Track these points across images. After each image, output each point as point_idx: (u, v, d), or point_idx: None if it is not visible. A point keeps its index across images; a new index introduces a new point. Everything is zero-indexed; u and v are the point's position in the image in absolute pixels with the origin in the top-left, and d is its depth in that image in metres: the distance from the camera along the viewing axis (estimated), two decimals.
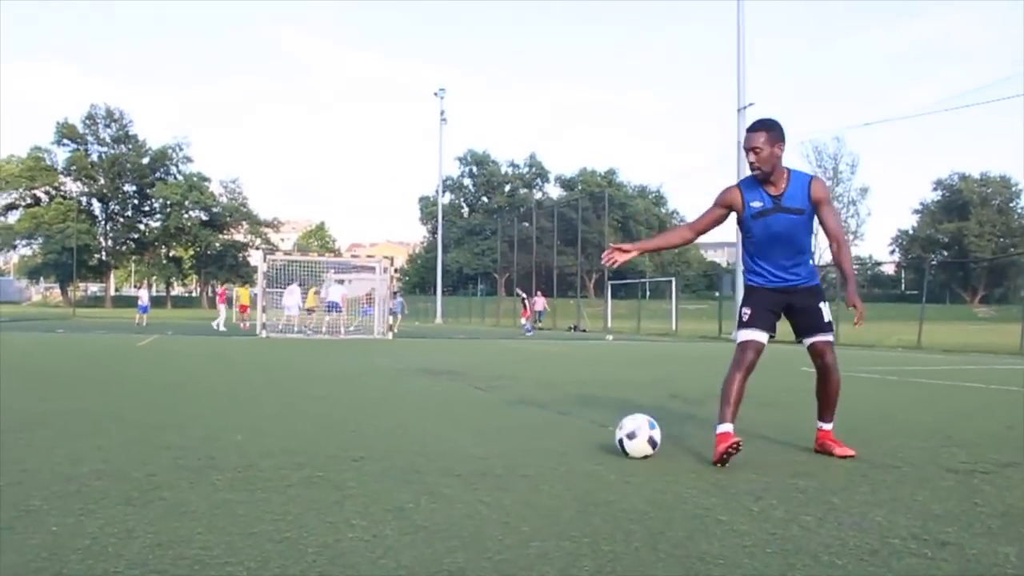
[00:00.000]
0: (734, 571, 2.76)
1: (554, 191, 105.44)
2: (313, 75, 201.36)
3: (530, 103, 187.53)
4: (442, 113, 61.72)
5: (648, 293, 51.33)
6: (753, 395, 8.80)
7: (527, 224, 73.31)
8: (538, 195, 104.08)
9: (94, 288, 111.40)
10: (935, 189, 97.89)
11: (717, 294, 42.43)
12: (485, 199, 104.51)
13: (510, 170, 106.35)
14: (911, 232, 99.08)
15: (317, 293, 29.51)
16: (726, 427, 4.74)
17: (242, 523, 3.26)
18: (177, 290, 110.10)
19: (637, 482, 4.18)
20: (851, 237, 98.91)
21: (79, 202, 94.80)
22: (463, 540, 3.07)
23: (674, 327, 40.18)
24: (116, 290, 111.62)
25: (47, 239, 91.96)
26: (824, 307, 5.06)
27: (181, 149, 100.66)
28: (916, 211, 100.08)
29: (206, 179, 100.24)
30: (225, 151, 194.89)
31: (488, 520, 3.37)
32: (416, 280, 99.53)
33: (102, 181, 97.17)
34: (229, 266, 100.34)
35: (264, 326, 26.27)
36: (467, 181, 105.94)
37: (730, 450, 4.58)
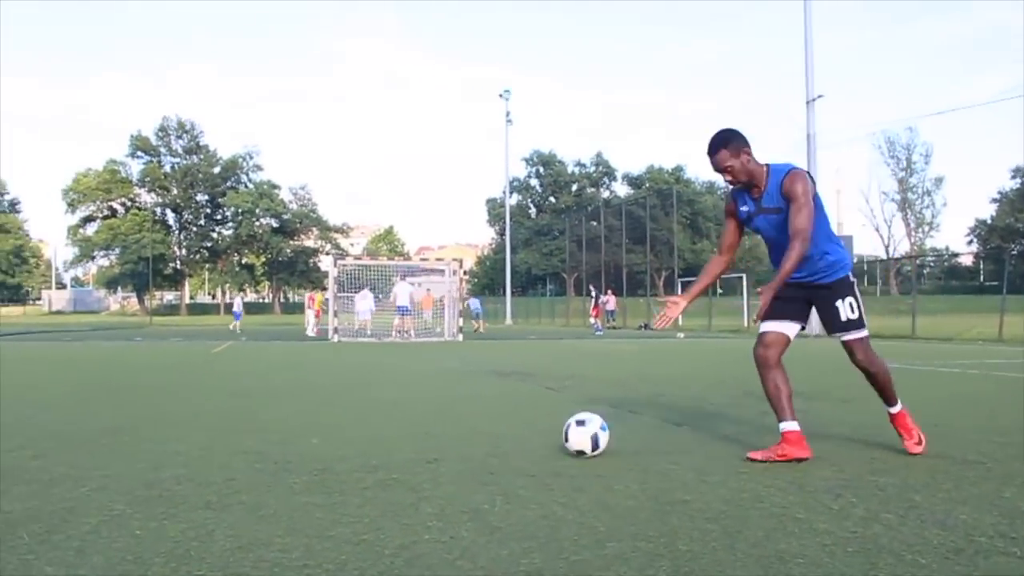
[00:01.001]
0: (814, 570, 2.72)
1: (621, 189, 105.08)
2: (379, 81, 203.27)
3: (595, 102, 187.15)
4: (507, 114, 61.89)
5: (719, 290, 50.65)
6: (831, 391, 8.73)
7: (595, 223, 73.04)
8: (605, 194, 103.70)
9: (169, 296, 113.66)
10: (1013, 177, 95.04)
11: None
12: (552, 199, 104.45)
13: (577, 169, 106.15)
14: (989, 222, 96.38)
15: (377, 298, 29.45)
16: (786, 425, 4.72)
17: (319, 526, 3.31)
18: (250, 296, 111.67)
19: (713, 481, 4.14)
20: (926, 228, 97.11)
21: (154, 212, 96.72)
22: (539, 541, 3.07)
23: (746, 324, 39.72)
24: (191, 298, 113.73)
25: (124, 249, 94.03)
26: (841, 304, 4.84)
27: (251, 158, 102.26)
28: (994, 200, 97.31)
29: (276, 187, 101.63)
30: (294, 159, 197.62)
31: (563, 521, 3.37)
32: (485, 282, 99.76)
33: (175, 191, 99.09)
34: (300, 272, 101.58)
35: (336, 330, 26.57)
36: (534, 181, 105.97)
37: (786, 459, 4.58)
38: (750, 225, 4.94)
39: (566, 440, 4.89)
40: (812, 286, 4.89)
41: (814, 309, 4.98)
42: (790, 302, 4.85)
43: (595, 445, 4.83)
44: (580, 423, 4.90)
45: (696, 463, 4.63)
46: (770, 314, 4.83)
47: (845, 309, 4.84)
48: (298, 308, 61.12)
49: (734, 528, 3.24)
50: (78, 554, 2.92)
